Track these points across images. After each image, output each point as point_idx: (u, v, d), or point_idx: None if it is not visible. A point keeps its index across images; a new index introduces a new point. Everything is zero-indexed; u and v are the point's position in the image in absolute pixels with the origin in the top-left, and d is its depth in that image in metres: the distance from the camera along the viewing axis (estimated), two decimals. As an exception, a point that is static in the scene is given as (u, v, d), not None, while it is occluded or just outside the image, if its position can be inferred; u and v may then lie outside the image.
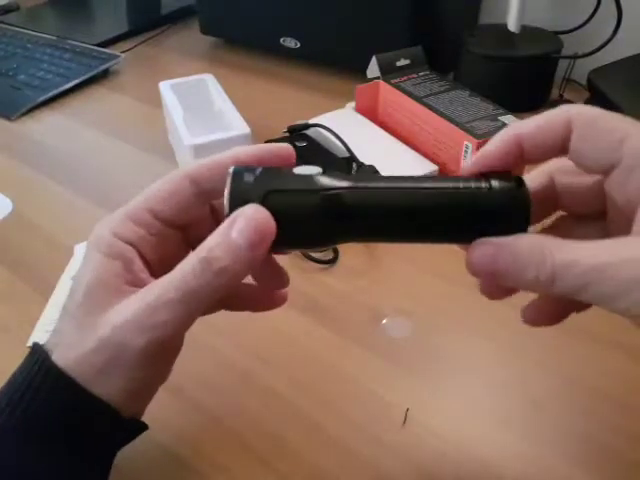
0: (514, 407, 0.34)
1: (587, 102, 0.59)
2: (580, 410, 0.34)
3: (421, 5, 0.62)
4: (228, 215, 0.22)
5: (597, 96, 0.57)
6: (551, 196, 0.25)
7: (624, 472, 0.31)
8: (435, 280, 0.43)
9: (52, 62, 0.76)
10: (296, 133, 0.55)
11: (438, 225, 0.22)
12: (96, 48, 0.79)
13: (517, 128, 0.22)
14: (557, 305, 0.25)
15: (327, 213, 0.22)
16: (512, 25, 0.62)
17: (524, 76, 0.61)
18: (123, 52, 0.79)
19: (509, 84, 0.61)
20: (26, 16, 0.95)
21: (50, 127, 0.66)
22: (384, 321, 0.39)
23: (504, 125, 0.49)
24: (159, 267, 0.25)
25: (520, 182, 0.22)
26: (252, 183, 0.23)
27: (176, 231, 0.26)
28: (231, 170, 0.23)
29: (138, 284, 0.24)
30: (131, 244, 0.24)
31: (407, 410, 0.33)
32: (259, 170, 0.23)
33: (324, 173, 0.23)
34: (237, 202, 0.22)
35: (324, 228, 0.23)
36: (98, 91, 0.73)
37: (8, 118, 0.67)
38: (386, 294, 0.42)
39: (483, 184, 0.22)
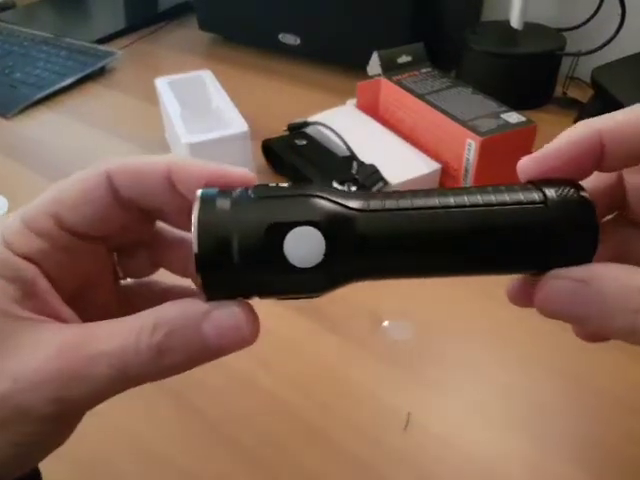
0: (517, 410, 0.34)
1: (591, 100, 0.59)
2: (585, 413, 0.33)
3: (423, 1, 0.61)
4: (198, 260, 0.17)
5: (601, 94, 0.56)
6: (617, 199, 0.21)
7: (630, 476, 0.30)
8: (436, 282, 0.42)
9: (48, 60, 0.76)
10: (296, 131, 0.54)
11: (478, 252, 0.18)
12: (92, 45, 0.79)
13: (594, 123, 0.18)
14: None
15: (346, 249, 0.17)
16: (515, 22, 0.62)
17: (527, 73, 0.61)
18: (120, 49, 0.79)
19: (512, 81, 0.61)
20: (22, 14, 0.95)
21: (46, 125, 0.65)
22: (385, 323, 0.39)
23: (507, 123, 0.48)
24: (74, 287, 0.20)
25: (582, 192, 0.18)
26: (229, 212, 0.17)
27: (93, 244, 0.20)
28: (199, 194, 0.18)
29: (47, 311, 0.19)
30: (31, 260, 0.19)
31: (409, 414, 0.33)
32: (236, 193, 0.18)
33: (315, 190, 0.18)
34: (211, 242, 0.17)
35: (338, 270, 0.18)
36: (95, 89, 0.72)
37: (4, 116, 0.67)
38: (387, 296, 0.41)
39: (536, 196, 0.17)
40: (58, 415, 0.17)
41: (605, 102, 0.55)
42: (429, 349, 0.37)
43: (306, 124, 0.54)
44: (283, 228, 0.17)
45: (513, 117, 0.49)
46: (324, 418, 0.33)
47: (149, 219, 0.22)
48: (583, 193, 0.18)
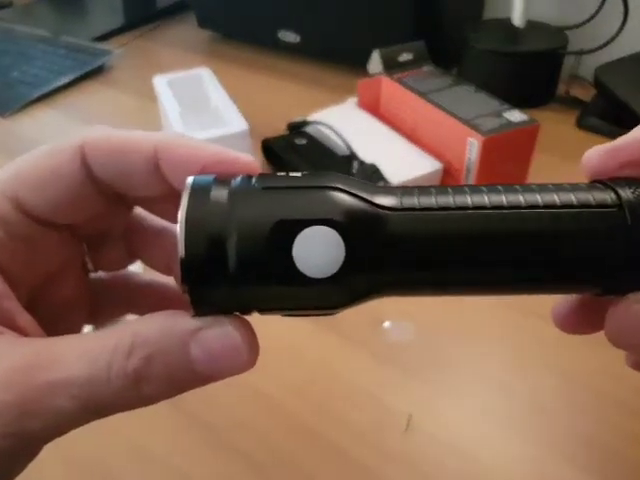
0: (518, 412, 0.34)
1: (594, 99, 0.58)
2: (586, 415, 0.33)
3: (424, -1, 0.61)
4: (184, 266, 0.14)
5: (604, 93, 0.56)
6: None
7: (630, 476, 0.30)
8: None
9: (46, 58, 0.76)
10: (295, 130, 0.54)
11: (538, 265, 0.14)
12: (90, 44, 0.79)
13: None
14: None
15: (371, 257, 0.14)
16: (517, 20, 0.62)
17: (529, 72, 0.61)
18: (118, 47, 0.79)
19: (514, 80, 0.61)
20: (19, 12, 0.95)
21: (44, 124, 0.65)
22: (385, 324, 0.39)
23: (509, 122, 0.48)
24: (34, 284, 0.17)
25: None
26: (226, 205, 0.14)
27: (58, 232, 0.17)
28: (189, 182, 0.15)
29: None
30: None
31: (409, 416, 0.33)
32: (237, 182, 0.15)
33: (335, 181, 0.15)
34: (201, 244, 0.14)
35: (359, 282, 0.14)
36: (93, 87, 0.72)
37: (2, 115, 0.66)
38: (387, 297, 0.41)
39: (608, 197, 0.14)
40: (11, 450, 0.14)
41: (608, 101, 0.55)
42: (430, 350, 0.37)
43: (306, 123, 0.54)
44: (293, 228, 0.14)
45: (515, 116, 0.49)
46: (323, 420, 0.33)
47: (126, 204, 0.19)
48: None
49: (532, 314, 0.38)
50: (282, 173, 0.15)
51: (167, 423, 0.33)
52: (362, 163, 0.48)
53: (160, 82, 0.55)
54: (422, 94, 0.52)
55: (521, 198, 0.14)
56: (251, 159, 0.17)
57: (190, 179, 0.15)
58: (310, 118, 0.54)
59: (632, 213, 0.14)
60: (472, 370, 0.36)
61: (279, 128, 0.55)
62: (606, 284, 0.15)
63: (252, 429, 0.33)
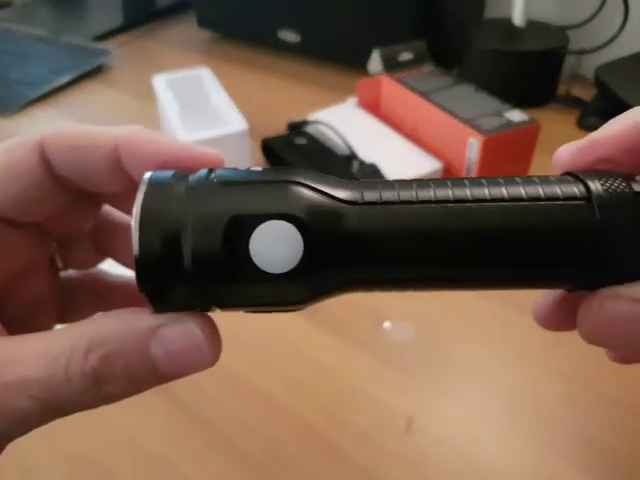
0: (519, 412, 0.34)
1: (594, 99, 0.58)
2: (587, 415, 0.33)
3: (424, -2, 0.61)
4: (138, 264, 0.13)
5: (605, 92, 0.56)
6: None
7: (630, 476, 0.30)
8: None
9: (45, 58, 0.76)
10: (295, 130, 0.54)
11: (500, 261, 0.14)
12: (90, 43, 0.79)
13: None
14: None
15: (330, 253, 0.14)
16: (517, 19, 0.62)
17: (529, 71, 0.61)
18: (117, 47, 0.79)
19: (514, 80, 0.61)
20: (18, 12, 0.95)
21: (44, 123, 0.65)
22: (386, 325, 0.39)
23: (510, 122, 0.48)
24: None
25: (635, 184, 0.14)
26: (182, 201, 0.14)
27: (23, 231, 0.17)
28: (146, 177, 0.14)
29: None
30: None
31: (410, 417, 0.33)
32: (195, 176, 0.14)
33: (295, 175, 0.14)
34: (155, 240, 0.13)
35: (319, 278, 0.14)
36: (92, 87, 0.72)
37: (1, 115, 0.66)
38: (387, 297, 0.40)
39: (577, 190, 0.14)
40: None
41: (609, 101, 0.55)
42: (430, 350, 0.37)
43: (306, 123, 0.54)
44: (249, 222, 0.13)
45: (516, 116, 0.49)
46: (323, 421, 0.33)
47: (93, 202, 0.18)
48: (637, 186, 0.14)
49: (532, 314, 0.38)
50: (244, 168, 0.15)
51: (166, 421, 0.33)
52: (362, 163, 0.48)
53: (160, 82, 0.55)
54: (422, 94, 0.52)
55: (486, 191, 0.14)
56: (216, 154, 0.16)
57: (147, 174, 0.14)
58: (310, 118, 0.54)
59: (600, 206, 0.14)
60: (472, 370, 0.36)
61: (279, 128, 0.55)
62: (575, 280, 0.15)
63: (252, 428, 0.33)
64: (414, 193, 0.14)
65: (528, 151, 0.49)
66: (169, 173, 0.15)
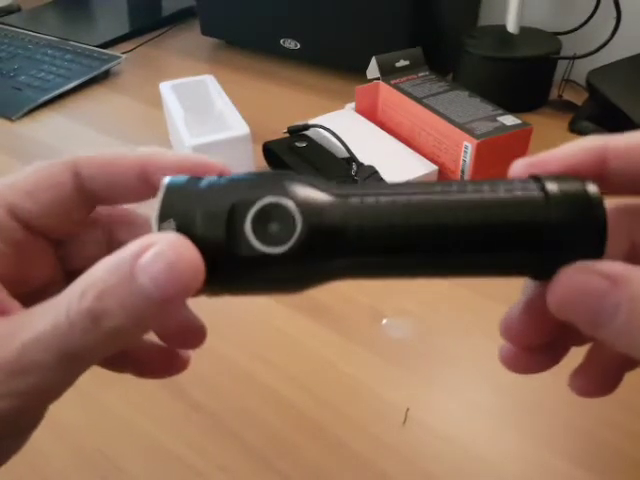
0: (515, 407, 0.34)
1: (586, 103, 0.59)
2: (585, 412, 0.33)
3: (420, 6, 0.62)
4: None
5: (596, 97, 0.57)
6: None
7: (626, 471, 0.30)
8: (436, 280, 0.43)
9: (53, 63, 0.76)
10: (296, 134, 0.55)
11: (467, 251, 0.16)
12: (97, 49, 0.79)
13: (601, 137, 0.17)
14: (612, 367, 0.20)
15: (325, 240, 0.16)
16: (511, 26, 0.63)
17: (523, 77, 0.61)
18: (124, 53, 0.79)
19: (508, 85, 0.61)
20: (27, 17, 0.95)
21: (51, 128, 0.65)
22: (384, 321, 0.39)
23: (503, 126, 0.49)
24: (15, 292, 0.18)
25: (588, 185, 0.16)
26: (194, 195, 0.16)
27: (45, 243, 0.19)
28: (165, 181, 0.17)
29: None
30: None
31: (407, 410, 0.33)
32: (207, 179, 0.17)
33: (293, 175, 0.17)
34: (171, 228, 0.16)
35: (310, 259, 0.16)
36: (99, 92, 0.72)
37: (9, 119, 0.67)
38: (386, 294, 0.42)
39: (535, 191, 0.16)
40: (11, 411, 0.15)
41: (600, 105, 0.56)
42: (428, 346, 0.38)
43: (306, 127, 0.55)
44: (247, 206, 0.15)
45: (509, 120, 0.50)
46: (323, 414, 0.34)
47: (90, 209, 0.20)
48: (590, 187, 0.15)
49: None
50: (245, 172, 0.17)
51: (172, 414, 0.34)
52: (361, 165, 0.49)
53: (165, 88, 0.56)
54: (418, 99, 0.53)
55: (455, 189, 0.16)
56: (223, 165, 0.19)
57: (167, 178, 0.17)
58: (310, 123, 0.55)
59: (555, 204, 0.15)
60: (470, 365, 0.36)
61: (280, 132, 0.55)
62: (535, 268, 0.16)
63: (256, 421, 0.33)
64: (393, 189, 0.16)
65: (521, 154, 0.49)
66: (184, 177, 0.17)
